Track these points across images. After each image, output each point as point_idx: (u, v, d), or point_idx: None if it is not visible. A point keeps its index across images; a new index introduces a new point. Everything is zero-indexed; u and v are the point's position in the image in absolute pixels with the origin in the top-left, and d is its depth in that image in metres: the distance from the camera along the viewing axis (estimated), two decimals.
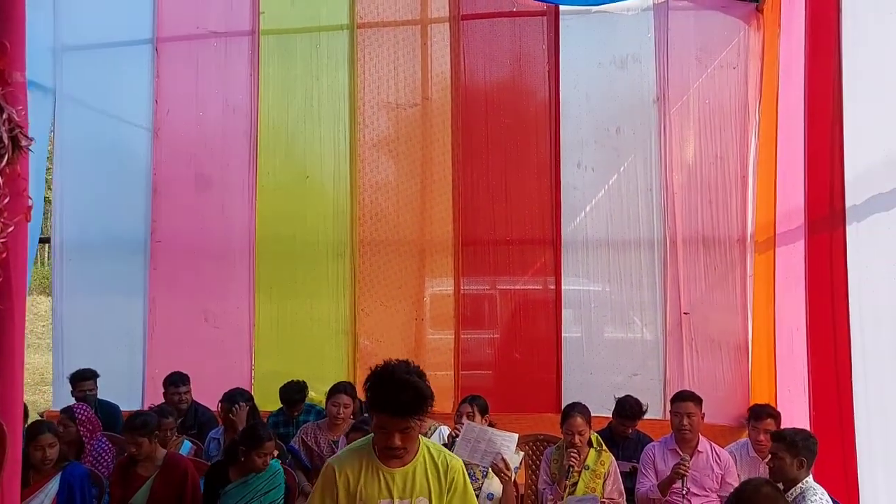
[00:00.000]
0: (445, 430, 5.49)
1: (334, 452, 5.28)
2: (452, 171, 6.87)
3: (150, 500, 4.58)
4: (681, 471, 4.64)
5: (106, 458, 5.20)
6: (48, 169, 7.78)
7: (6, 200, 2.04)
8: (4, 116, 1.79)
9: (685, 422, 4.84)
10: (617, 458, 5.05)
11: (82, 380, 6.11)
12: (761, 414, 5.13)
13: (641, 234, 6.68)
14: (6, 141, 1.81)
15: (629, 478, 5.10)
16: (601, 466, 4.84)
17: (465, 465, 4.67)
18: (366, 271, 7.02)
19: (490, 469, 4.63)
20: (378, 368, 2.99)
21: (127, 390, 6.97)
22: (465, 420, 4.95)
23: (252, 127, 7.05)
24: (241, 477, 4.48)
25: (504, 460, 4.58)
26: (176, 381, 6.07)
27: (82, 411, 5.23)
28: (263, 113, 7.08)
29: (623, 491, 4.85)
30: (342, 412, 5.47)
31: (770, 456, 4.14)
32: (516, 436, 4.73)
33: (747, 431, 5.29)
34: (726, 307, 6.53)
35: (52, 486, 4.49)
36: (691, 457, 4.78)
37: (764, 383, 6.27)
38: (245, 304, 7.07)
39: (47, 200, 7.70)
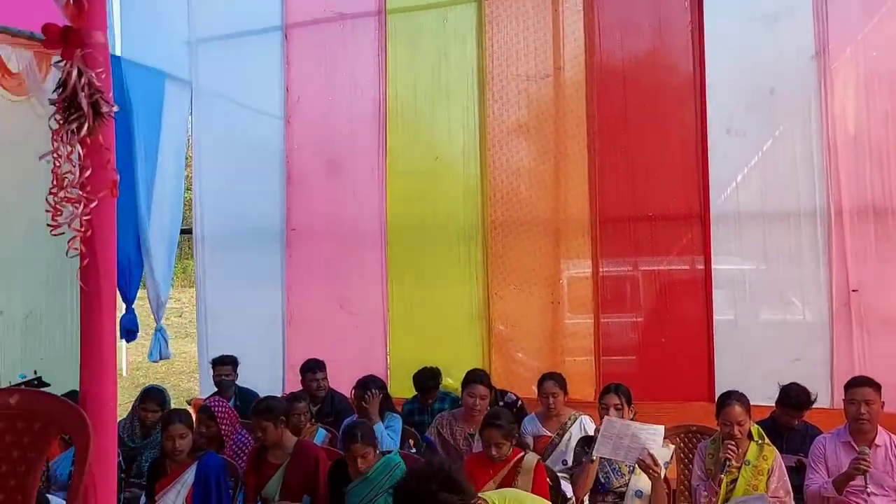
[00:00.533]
0: (587, 421, 5.17)
1: (470, 446, 5.08)
2: (588, 145, 6.46)
3: (282, 488, 4.51)
4: (862, 466, 4.10)
5: (247, 450, 5.18)
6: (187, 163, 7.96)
7: (88, 173, 1.89)
8: (84, 81, 1.62)
9: (863, 410, 4.28)
10: (781, 452, 4.56)
11: (221, 364, 6.22)
12: None
13: (801, 205, 6.04)
14: (86, 108, 1.64)
15: (795, 474, 4.59)
16: (764, 461, 4.37)
17: (609, 461, 4.38)
18: (498, 254, 6.75)
19: (637, 466, 4.28)
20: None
21: (268, 378, 7.03)
22: (612, 412, 4.61)
23: (380, 109, 6.93)
24: (360, 474, 4.31)
25: (651, 455, 4.21)
26: (312, 368, 6.04)
27: (220, 407, 5.23)
28: (391, 94, 6.94)
29: (790, 489, 4.36)
30: (478, 403, 5.23)
31: None
32: (662, 428, 4.34)
33: None
34: None
35: (189, 475, 4.49)
36: (869, 450, 4.22)
37: None
38: (378, 289, 6.97)
39: (188, 191, 7.89)
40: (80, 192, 1.93)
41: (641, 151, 6.40)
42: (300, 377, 6.12)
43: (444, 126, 6.88)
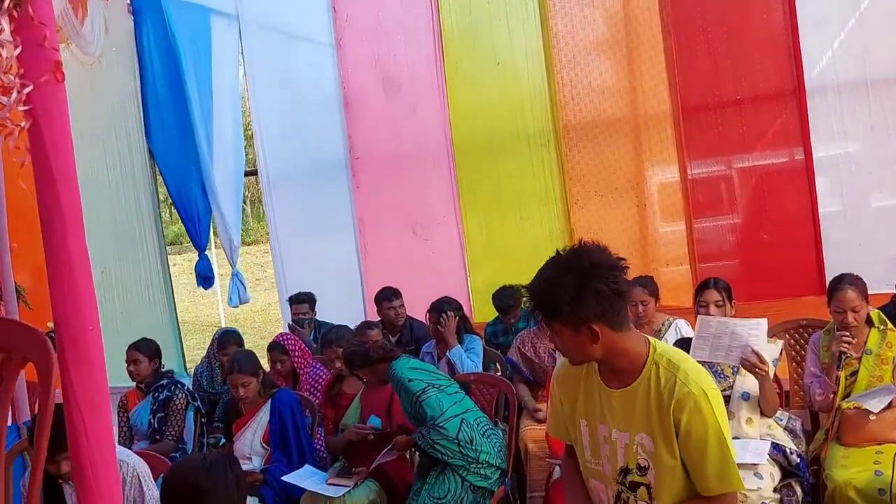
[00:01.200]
0: (683, 324, 4.73)
1: (556, 362, 4.71)
2: (661, 26, 5.86)
3: (361, 415, 4.29)
4: None
5: (322, 383, 5.00)
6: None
7: (18, 50, 1.59)
8: None
9: None
10: None
11: (298, 303, 6.08)
12: None
13: None
14: None
15: None
16: (888, 349, 3.87)
17: (710, 364, 3.94)
18: (574, 160, 6.28)
19: (741, 366, 3.84)
20: None
21: (349, 312, 6.83)
22: (713, 310, 4.16)
23: (433, 16, 6.47)
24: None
25: (756, 353, 3.73)
26: (388, 296, 5.82)
27: (290, 342, 5.07)
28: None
29: None
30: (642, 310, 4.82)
31: None
32: (765, 321, 3.83)
33: None
34: None
35: (263, 414, 4.33)
36: None
37: None
38: (451, 210, 6.64)
39: (246, 129, 7.70)
40: (13, 79, 1.63)
41: (721, 28, 5.78)
42: (376, 307, 5.91)
43: (502, 27, 6.39)
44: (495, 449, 3.90)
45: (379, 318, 6.00)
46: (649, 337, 2.36)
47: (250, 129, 7.42)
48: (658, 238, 6.44)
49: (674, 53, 5.92)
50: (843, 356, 3.78)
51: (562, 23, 6.19)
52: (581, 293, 2.16)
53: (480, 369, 5.02)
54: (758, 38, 5.70)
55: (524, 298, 5.58)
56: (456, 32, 6.51)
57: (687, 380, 2.17)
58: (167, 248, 7.28)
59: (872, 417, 3.65)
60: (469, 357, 4.97)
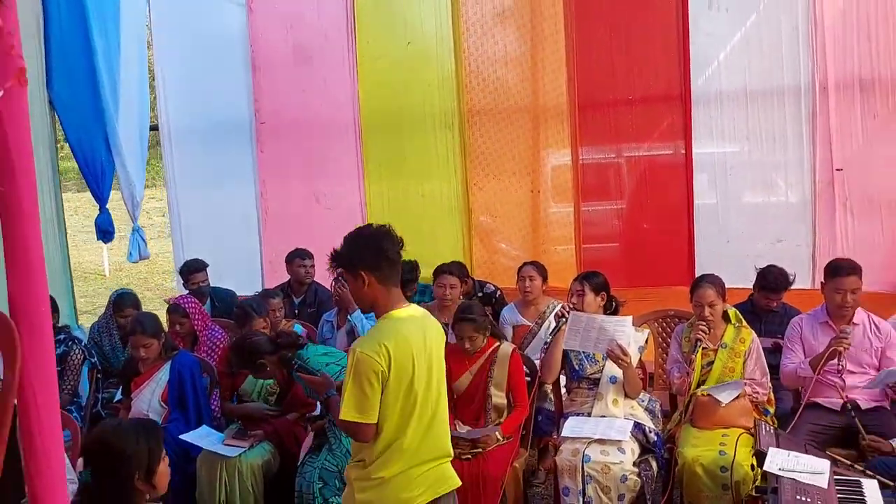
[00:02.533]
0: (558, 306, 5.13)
1: (446, 334, 5.02)
2: (565, 26, 6.16)
3: (260, 384, 4.49)
4: (841, 346, 4.06)
5: (221, 347, 5.14)
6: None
7: None
8: None
9: (849, 299, 4.20)
10: (759, 334, 4.54)
11: (195, 271, 6.05)
12: None
13: (785, 82, 5.82)
14: None
15: (772, 356, 4.58)
16: (741, 344, 4.35)
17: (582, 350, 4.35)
18: (476, 143, 6.55)
19: (607, 356, 4.26)
20: None
21: (246, 274, 6.93)
22: (573, 300, 4.54)
23: None
24: None
25: (620, 346, 4.17)
26: (302, 255, 6.03)
27: (190, 304, 5.17)
28: None
29: (766, 370, 4.35)
30: (449, 293, 5.18)
31: None
32: (629, 319, 4.30)
33: None
34: (887, 160, 5.66)
35: (163, 374, 4.47)
36: (850, 329, 4.19)
37: None
38: (355, 182, 6.79)
39: (151, 88, 7.57)
40: None
41: (620, 32, 6.13)
42: (286, 265, 6.09)
43: (415, 10, 6.54)
44: None
45: (282, 283, 6.16)
46: (403, 309, 2.97)
47: (154, 83, 7.32)
48: (548, 218, 6.80)
49: (574, 49, 6.22)
50: (699, 343, 4.24)
51: (472, 10, 6.40)
52: (361, 249, 2.90)
53: None
54: (653, 43, 6.08)
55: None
56: (368, 8, 6.60)
57: (360, 341, 2.96)
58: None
59: (722, 406, 4.12)
60: (370, 322, 5.22)
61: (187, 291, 5.88)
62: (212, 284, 6.19)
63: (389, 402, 2.84)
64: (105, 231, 6.82)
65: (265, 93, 6.85)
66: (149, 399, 4.46)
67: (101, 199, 6.73)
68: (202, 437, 4.27)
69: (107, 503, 2.53)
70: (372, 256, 2.88)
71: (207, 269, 6.11)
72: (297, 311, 6.06)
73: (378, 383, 2.79)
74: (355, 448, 2.98)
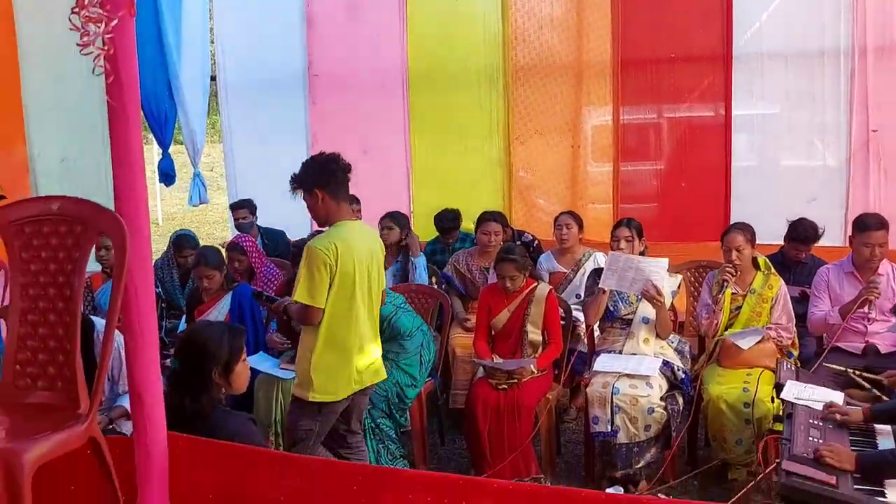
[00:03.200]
0: (601, 256, 5.36)
1: (486, 278, 5.32)
2: None
3: None
4: (872, 295, 4.26)
5: (275, 281, 5.48)
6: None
7: None
8: None
9: (876, 252, 4.38)
10: (787, 284, 4.74)
11: (238, 208, 6.51)
12: None
13: (825, 44, 5.95)
14: None
15: (799, 304, 4.78)
16: (769, 290, 4.55)
17: (618, 291, 4.59)
18: (519, 99, 6.77)
19: (642, 297, 4.49)
20: None
21: (295, 223, 7.22)
22: (623, 245, 4.78)
23: None
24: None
25: (655, 286, 4.41)
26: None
27: (247, 243, 5.50)
28: None
29: (793, 316, 4.56)
30: (493, 240, 5.43)
31: None
32: (666, 261, 4.53)
33: None
34: None
35: (224, 304, 4.80)
36: (879, 279, 4.37)
37: None
38: (401, 136, 7.06)
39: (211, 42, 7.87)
40: (101, 11, 2.05)
41: None
42: None
43: None
44: (432, 353, 4.64)
45: None
46: (351, 221, 3.65)
47: (213, 36, 7.62)
48: (588, 177, 7.01)
49: (619, 6, 6.38)
50: (725, 284, 4.45)
51: None
52: (314, 172, 3.56)
53: (426, 281, 5.60)
54: (696, 2, 6.22)
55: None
56: None
57: (314, 239, 3.59)
58: None
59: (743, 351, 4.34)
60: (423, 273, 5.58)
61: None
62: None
63: (333, 295, 3.45)
64: (167, 175, 7.18)
65: (318, 47, 7.13)
66: None
67: (164, 144, 7.08)
68: (260, 361, 4.60)
69: (188, 389, 2.88)
70: (324, 177, 3.55)
71: (254, 210, 6.45)
72: None
73: (327, 274, 3.40)
74: (302, 340, 3.58)
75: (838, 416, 3.17)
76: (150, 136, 7.50)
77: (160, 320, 5.35)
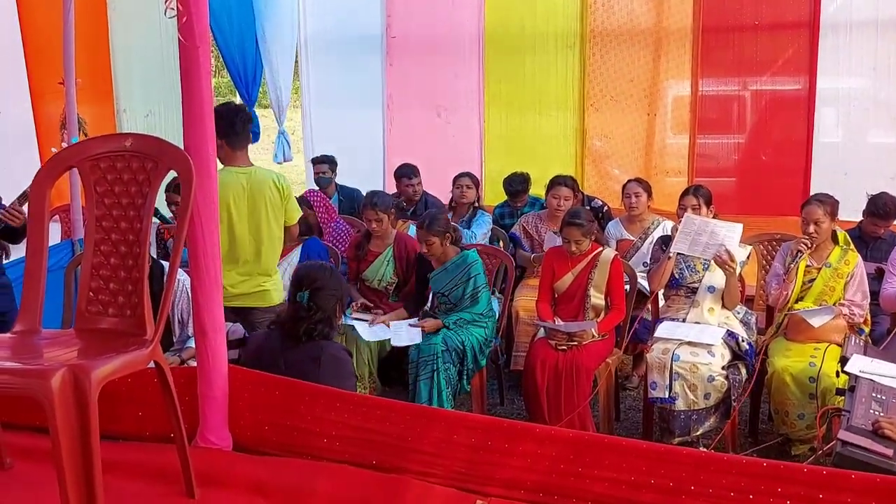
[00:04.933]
0: (669, 225, 5.29)
1: (553, 241, 5.30)
2: None
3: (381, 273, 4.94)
4: None
5: (345, 238, 5.58)
6: None
7: None
8: None
9: None
10: (864, 260, 4.58)
11: (319, 163, 6.62)
12: None
13: None
14: None
15: (875, 281, 4.63)
16: (845, 266, 4.41)
17: (686, 258, 4.53)
18: (596, 65, 6.68)
19: (713, 261, 4.42)
20: None
21: (369, 181, 7.34)
22: (689, 211, 4.70)
23: None
24: (440, 265, 4.69)
25: (728, 251, 4.33)
26: (408, 174, 6.30)
27: (316, 197, 5.61)
28: None
29: (868, 294, 4.41)
30: (562, 204, 5.41)
31: None
32: (740, 226, 4.43)
33: None
34: None
35: (295, 255, 4.93)
36: None
37: None
38: (475, 98, 7.07)
39: None
40: None
41: None
42: (395, 181, 6.42)
43: None
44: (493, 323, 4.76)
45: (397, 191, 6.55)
46: (241, 167, 4.14)
47: None
48: (665, 148, 6.90)
49: None
50: (799, 254, 4.33)
51: None
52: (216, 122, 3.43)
53: (485, 241, 5.64)
54: None
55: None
56: None
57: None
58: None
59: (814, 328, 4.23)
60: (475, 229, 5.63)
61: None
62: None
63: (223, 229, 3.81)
64: (253, 132, 7.34)
65: (396, 9, 7.17)
66: (281, 277, 4.93)
67: (250, 102, 7.25)
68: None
69: (318, 318, 3.29)
70: (224, 128, 3.79)
71: (334, 166, 6.54)
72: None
73: None
74: None
75: (888, 432, 2.81)
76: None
77: None
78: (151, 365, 2.34)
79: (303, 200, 5.60)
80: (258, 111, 7.72)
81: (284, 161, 7.68)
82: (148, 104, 7.19)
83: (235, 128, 4.06)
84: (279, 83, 7.23)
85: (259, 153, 11.16)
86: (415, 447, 2.47)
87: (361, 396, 3.06)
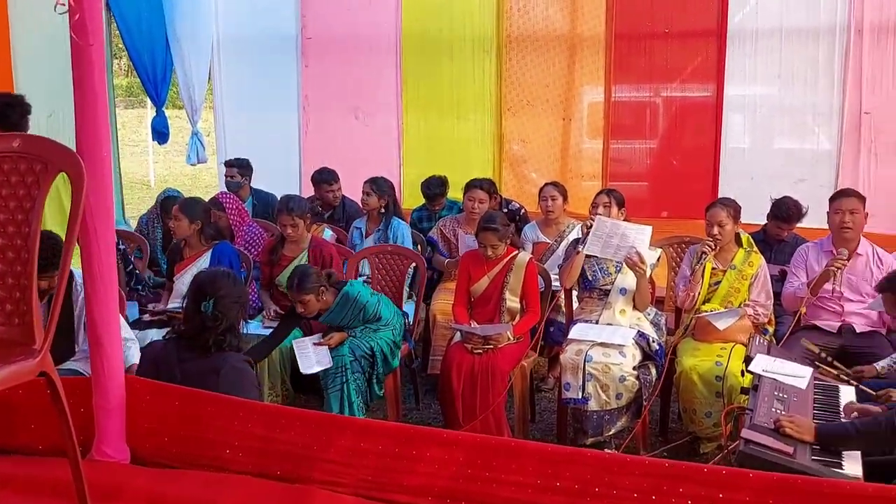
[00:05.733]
0: (581, 225, 5.35)
1: (470, 244, 5.30)
2: None
3: None
4: (836, 265, 4.25)
5: (258, 242, 5.46)
6: None
7: None
8: None
9: (847, 219, 4.36)
10: (768, 262, 4.73)
11: (230, 166, 6.45)
12: None
13: (821, 23, 5.91)
14: None
15: (778, 283, 4.78)
16: (749, 268, 4.54)
17: (598, 260, 4.59)
18: (512, 69, 6.73)
19: (624, 264, 4.49)
20: None
21: (284, 185, 7.21)
22: (601, 210, 4.78)
23: None
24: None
25: (638, 254, 4.40)
26: (328, 179, 6.18)
27: (228, 200, 5.48)
28: None
29: (771, 294, 4.55)
30: (478, 207, 5.42)
31: None
32: (650, 228, 4.52)
33: None
34: None
35: (204, 260, 4.79)
36: (849, 259, 4.37)
37: None
38: (393, 101, 7.04)
39: None
40: None
41: None
42: (314, 186, 6.32)
43: None
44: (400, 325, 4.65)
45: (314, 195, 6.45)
46: None
47: None
48: (579, 152, 6.99)
49: None
50: (704, 256, 4.44)
51: None
52: None
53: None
54: None
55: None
56: None
57: None
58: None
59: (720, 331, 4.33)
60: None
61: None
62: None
63: None
64: (160, 132, 7.15)
65: (313, 9, 7.08)
66: (189, 283, 4.79)
67: (158, 102, 7.04)
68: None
69: (224, 327, 3.15)
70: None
71: (246, 170, 6.41)
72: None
73: None
74: None
75: (788, 430, 2.94)
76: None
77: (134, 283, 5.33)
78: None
79: (215, 203, 5.48)
80: (170, 112, 7.52)
81: (199, 162, 7.49)
82: (50, 105, 6.89)
83: (11, 119, 3.93)
84: (192, 82, 7.02)
85: (173, 154, 10.92)
86: (321, 456, 2.42)
87: (266, 405, 2.98)
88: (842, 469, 2.86)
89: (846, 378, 3.77)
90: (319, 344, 4.42)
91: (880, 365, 3.97)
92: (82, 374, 3.82)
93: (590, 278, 4.63)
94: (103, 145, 2.41)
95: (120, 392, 2.56)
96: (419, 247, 5.81)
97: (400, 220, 5.73)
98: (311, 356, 4.37)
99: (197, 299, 3.22)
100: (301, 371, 4.32)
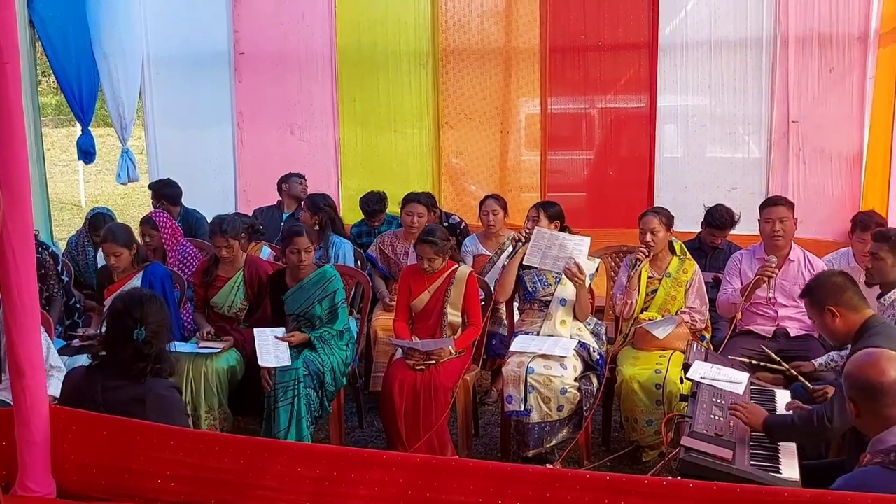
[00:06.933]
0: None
1: (408, 261, 5.27)
2: None
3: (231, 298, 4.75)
4: (766, 273, 4.34)
5: (191, 262, 5.33)
6: None
7: None
8: None
9: (777, 227, 4.47)
10: (703, 269, 4.82)
11: (152, 190, 6.31)
12: (868, 224, 4.72)
13: (749, 34, 6.05)
14: None
15: (713, 290, 4.86)
16: (684, 275, 4.62)
17: (538, 272, 4.60)
18: (449, 83, 6.73)
19: (563, 274, 4.51)
20: None
21: (220, 201, 7.08)
22: (529, 224, 4.80)
23: None
24: (296, 283, 4.52)
25: (577, 264, 4.43)
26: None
27: (161, 218, 5.34)
28: None
29: (706, 300, 4.65)
30: (416, 221, 5.39)
31: (870, 257, 3.84)
32: (588, 239, 4.56)
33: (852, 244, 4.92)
34: (840, 114, 5.92)
35: (136, 281, 4.63)
36: (781, 266, 4.47)
37: (877, 198, 5.79)
38: (329, 116, 6.97)
39: None
40: None
41: None
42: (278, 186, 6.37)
43: None
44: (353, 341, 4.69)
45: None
46: None
47: None
48: (518, 164, 7.01)
49: None
50: (638, 263, 4.50)
51: None
52: None
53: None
54: None
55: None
56: None
57: None
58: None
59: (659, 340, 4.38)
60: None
61: None
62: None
63: None
64: (86, 152, 6.91)
65: (244, 24, 6.97)
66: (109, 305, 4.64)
67: (84, 120, 6.82)
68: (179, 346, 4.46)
69: (155, 354, 2.99)
70: None
71: (173, 197, 6.23)
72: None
73: None
74: None
75: (739, 416, 3.16)
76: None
77: (68, 300, 5.17)
78: None
79: (148, 221, 5.34)
80: (101, 130, 7.30)
81: (129, 181, 7.27)
82: None
83: None
84: (122, 99, 6.80)
85: (105, 174, 10.62)
86: (257, 483, 2.34)
87: (198, 432, 2.89)
88: (780, 474, 2.92)
89: (785, 370, 3.87)
90: (281, 339, 4.37)
91: (818, 362, 4.09)
92: (8, 403, 3.69)
93: (530, 290, 4.64)
94: (22, 168, 2.31)
95: (44, 424, 2.44)
96: (359, 263, 5.75)
97: (342, 238, 5.65)
98: (270, 349, 4.33)
99: (126, 326, 2.99)
100: (259, 363, 4.27)
